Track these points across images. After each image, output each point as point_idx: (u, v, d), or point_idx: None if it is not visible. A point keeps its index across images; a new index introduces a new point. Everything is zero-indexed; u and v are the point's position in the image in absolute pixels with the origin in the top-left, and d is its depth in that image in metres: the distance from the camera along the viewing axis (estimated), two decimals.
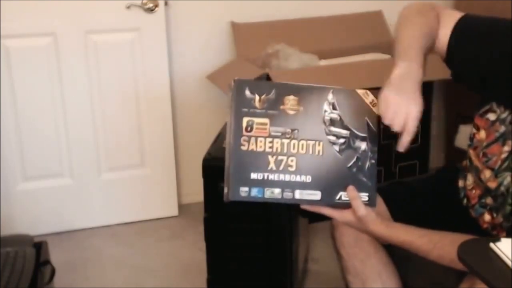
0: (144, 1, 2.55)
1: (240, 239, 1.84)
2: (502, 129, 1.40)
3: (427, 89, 2.74)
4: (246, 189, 1.24)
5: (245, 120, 1.24)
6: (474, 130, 1.48)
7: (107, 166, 2.72)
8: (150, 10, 2.56)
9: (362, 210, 1.30)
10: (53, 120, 2.59)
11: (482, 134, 1.45)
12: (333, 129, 1.28)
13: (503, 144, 1.39)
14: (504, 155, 1.39)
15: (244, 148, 1.24)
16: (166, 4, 2.64)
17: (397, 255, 1.68)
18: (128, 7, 2.55)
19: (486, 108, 1.44)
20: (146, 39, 2.61)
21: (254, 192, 1.25)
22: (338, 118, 1.29)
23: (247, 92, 1.25)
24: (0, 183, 2.53)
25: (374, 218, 1.35)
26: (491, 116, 1.42)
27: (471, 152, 1.48)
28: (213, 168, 1.80)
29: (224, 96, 2.84)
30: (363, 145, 1.30)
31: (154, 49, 2.64)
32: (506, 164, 1.38)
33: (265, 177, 1.24)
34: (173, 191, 2.84)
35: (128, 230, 2.74)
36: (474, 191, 1.50)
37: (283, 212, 1.79)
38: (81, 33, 2.53)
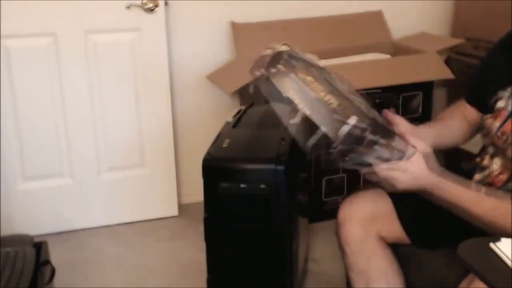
0: (144, 1, 2.55)
1: (240, 239, 1.84)
2: (510, 105, 1.44)
3: (427, 89, 2.76)
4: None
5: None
6: (488, 122, 1.50)
7: (107, 166, 2.72)
8: (150, 10, 2.56)
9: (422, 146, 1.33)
10: (53, 120, 2.59)
11: (494, 120, 1.48)
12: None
13: None
14: None
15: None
16: (166, 4, 2.64)
17: (399, 254, 1.68)
18: (128, 7, 2.55)
19: (494, 99, 1.48)
20: (146, 39, 2.61)
21: None
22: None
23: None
24: (0, 183, 2.53)
25: (434, 159, 1.36)
26: (501, 103, 1.46)
27: (491, 137, 1.50)
28: (213, 168, 1.80)
29: (224, 96, 2.85)
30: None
31: (154, 49, 2.64)
32: None
33: None
34: (173, 191, 2.84)
35: (128, 230, 2.74)
36: (501, 176, 1.48)
37: (283, 212, 1.79)
38: (81, 33, 2.53)
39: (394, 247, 1.67)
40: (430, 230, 1.61)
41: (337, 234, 1.69)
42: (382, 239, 1.63)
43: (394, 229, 1.63)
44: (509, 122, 1.43)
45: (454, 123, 1.64)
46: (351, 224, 1.63)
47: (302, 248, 2.14)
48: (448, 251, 1.51)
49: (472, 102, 1.64)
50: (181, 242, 2.63)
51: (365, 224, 1.62)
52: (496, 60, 1.56)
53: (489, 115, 1.49)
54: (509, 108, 1.45)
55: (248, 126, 1.99)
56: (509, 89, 1.45)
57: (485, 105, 1.54)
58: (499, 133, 1.46)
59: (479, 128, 1.59)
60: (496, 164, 1.50)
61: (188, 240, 2.62)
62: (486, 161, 1.53)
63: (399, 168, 1.32)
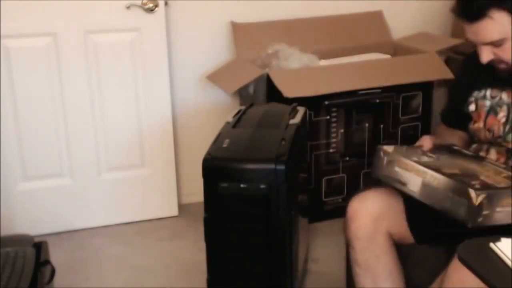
0: (144, 1, 2.55)
1: (240, 239, 1.84)
2: (487, 103, 1.63)
3: (427, 89, 2.76)
4: None
5: None
6: (473, 128, 1.69)
7: (107, 166, 2.72)
8: (150, 10, 2.56)
9: None
10: (53, 120, 2.59)
11: (475, 123, 1.67)
12: None
13: (496, 114, 1.61)
14: (502, 120, 1.59)
15: None
16: (166, 4, 2.64)
17: (401, 251, 1.68)
18: (128, 7, 2.55)
19: (466, 108, 1.69)
20: (146, 39, 2.61)
21: None
22: None
23: None
24: (0, 183, 2.53)
25: None
26: (472, 107, 1.67)
27: (482, 137, 1.67)
28: (213, 168, 1.80)
29: (224, 96, 2.85)
30: None
31: (154, 49, 2.64)
32: (508, 126, 1.58)
33: None
34: (173, 191, 2.84)
35: (128, 230, 2.74)
36: (499, 161, 1.61)
37: (283, 212, 1.79)
38: (81, 33, 2.53)
39: (396, 247, 1.68)
40: (432, 226, 1.62)
41: (346, 228, 1.68)
42: (391, 237, 1.64)
43: (401, 226, 1.63)
44: (489, 118, 1.62)
45: (454, 139, 1.79)
46: (362, 219, 1.63)
47: (302, 248, 2.14)
48: (448, 247, 1.52)
49: (452, 124, 1.82)
50: (181, 242, 2.63)
51: (376, 220, 1.62)
52: (461, 79, 1.78)
53: (470, 123, 1.68)
54: (484, 107, 1.63)
55: (248, 126, 1.99)
56: (474, 93, 1.66)
57: (463, 121, 1.73)
58: (486, 132, 1.63)
59: (471, 139, 1.75)
60: (492, 155, 1.63)
61: (188, 240, 2.62)
62: (482, 154, 1.66)
63: None
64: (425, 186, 1.43)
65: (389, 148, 1.57)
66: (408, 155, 1.54)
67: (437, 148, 1.63)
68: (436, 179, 1.40)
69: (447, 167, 1.46)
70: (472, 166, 1.49)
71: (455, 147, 1.66)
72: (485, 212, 1.32)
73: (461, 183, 1.36)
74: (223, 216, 1.82)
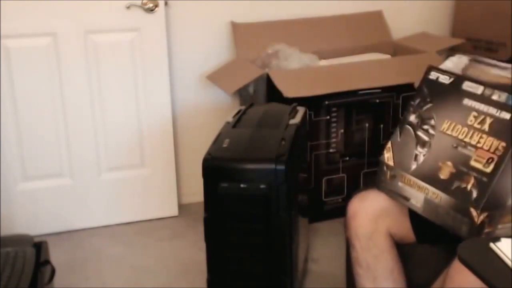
0: (144, 1, 2.55)
1: (240, 239, 1.84)
2: None
3: None
4: None
5: None
6: None
7: (107, 166, 2.72)
8: (150, 10, 2.56)
9: None
10: (53, 120, 2.59)
11: None
12: None
13: None
14: None
15: None
16: (166, 4, 2.64)
17: (401, 252, 1.68)
18: (128, 7, 2.55)
19: None
20: (146, 39, 2.61)
21: None
22: None
23: None
24: (0, 183, 2.53)
25: None
26: None
27: None
28: (213, 168, 1.80)
29: (224, 96, 2.85)
30: None
31: (154, 49, 2.64)
32: None
33: None
34: (173, 191, 2.84)
35: (128, 230, 2.74)
36: None
37: (283, 212, 1.79)
38: (81, 33, 2.53)
39: (397, 246, 1.68)
40: (433, 225, 1.61)
41: (346, 227, 1.68)
42: (391, 236, 1.63)
43: (403, 226, 1.63)
44: None
45: None
46: (362, 218, 1.63)
47: (302, 248, 2.14)
48: (449, 247, 1.52)
49: None
50: (181, 242, 2.63)
51: (376, 219, 1.62)
52: None
53: None
54: None
55: (248, 126, 1.99)
56: None
57: None
58: None
59: None
60: None
61: (188, 240, 2.62)
62: None
63: None
64: (427, 202, 1.43)
65: (390, 160, 1.55)
66: (404, 144, 1.52)
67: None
68: (438, 196, 1.40)
69: (442, 159, 1.43)
70: (467, 139, 1.41)
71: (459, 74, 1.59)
72: (486, 230, 1.32)
73: (462, 201, 1.35)
74: (223, 216, 1.82)
